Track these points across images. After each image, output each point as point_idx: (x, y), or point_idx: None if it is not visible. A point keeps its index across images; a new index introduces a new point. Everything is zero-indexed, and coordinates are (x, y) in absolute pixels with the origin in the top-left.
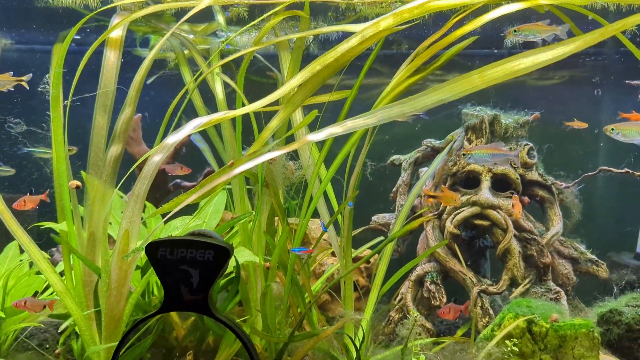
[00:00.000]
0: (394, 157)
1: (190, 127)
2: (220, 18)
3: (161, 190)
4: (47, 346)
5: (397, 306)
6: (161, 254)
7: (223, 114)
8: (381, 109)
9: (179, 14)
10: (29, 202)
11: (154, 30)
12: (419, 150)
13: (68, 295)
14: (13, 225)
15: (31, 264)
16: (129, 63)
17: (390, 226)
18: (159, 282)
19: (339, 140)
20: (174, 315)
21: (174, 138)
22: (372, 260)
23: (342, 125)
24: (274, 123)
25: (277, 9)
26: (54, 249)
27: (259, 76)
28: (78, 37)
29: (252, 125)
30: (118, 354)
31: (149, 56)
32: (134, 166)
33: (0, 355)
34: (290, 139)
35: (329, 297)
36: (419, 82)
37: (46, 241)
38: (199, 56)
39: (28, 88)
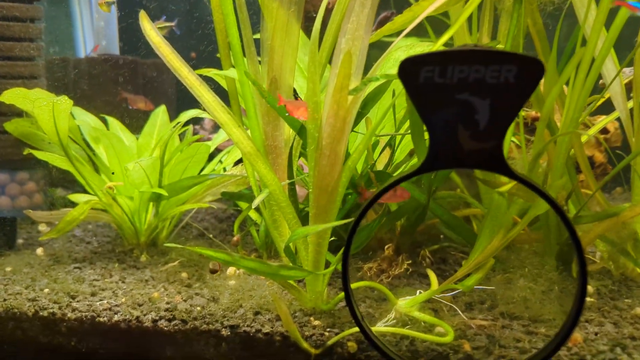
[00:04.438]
0: None
1: None
2: None
3: None
4: (211, 236)
5: None
6: (425, 77)
7: None
8: None
9: None
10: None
11: None
12: None
13: (259, 159)
14: (190, 79)
15: (181, 136)
16: None
17: None
18: None
19: None
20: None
21: None
22: (611, 129)
23: None
24: None
25: None
26: (197, 127)
27: None
28: None
29: None
30: (352, 239)
31: None
32: None
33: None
34: None
35: None
36: None
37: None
38: None
39: None
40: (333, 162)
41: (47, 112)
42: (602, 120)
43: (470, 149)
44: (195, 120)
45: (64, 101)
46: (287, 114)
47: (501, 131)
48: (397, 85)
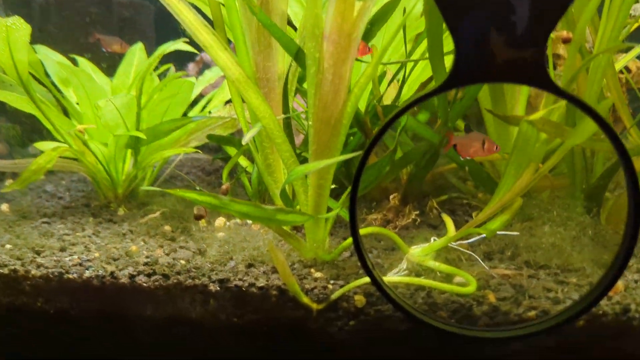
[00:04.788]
0: None
1: None
2: None
3: None
4: (197, 188)
5: None
6: None
7: None
8: None
9: None
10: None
11: None
12: None
13: (250, 87)
14: None
15: (161, 76)
16: None
17: None
18: None
19: None
20: None
21: None
22: (633, 69)
23: None
24: None
25: None
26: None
27: None
28: None
29: None
30: (361, 173)
31: None
32: None
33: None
34: None
35: None
36: None
37: None
38: None
39: None
40: (337, 87)
41: (1, 40)
42: (625, 57)
43: (505, 59)
44: (178, 66)
45: (20, 25)
46: (280, 35)
47: (543, 36)
48: (408, 3)
